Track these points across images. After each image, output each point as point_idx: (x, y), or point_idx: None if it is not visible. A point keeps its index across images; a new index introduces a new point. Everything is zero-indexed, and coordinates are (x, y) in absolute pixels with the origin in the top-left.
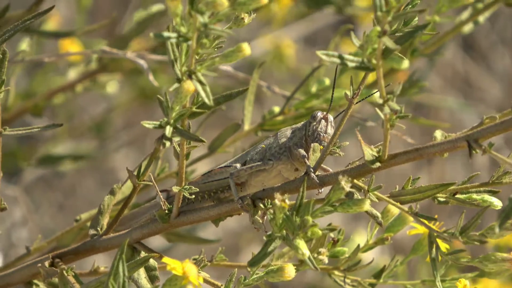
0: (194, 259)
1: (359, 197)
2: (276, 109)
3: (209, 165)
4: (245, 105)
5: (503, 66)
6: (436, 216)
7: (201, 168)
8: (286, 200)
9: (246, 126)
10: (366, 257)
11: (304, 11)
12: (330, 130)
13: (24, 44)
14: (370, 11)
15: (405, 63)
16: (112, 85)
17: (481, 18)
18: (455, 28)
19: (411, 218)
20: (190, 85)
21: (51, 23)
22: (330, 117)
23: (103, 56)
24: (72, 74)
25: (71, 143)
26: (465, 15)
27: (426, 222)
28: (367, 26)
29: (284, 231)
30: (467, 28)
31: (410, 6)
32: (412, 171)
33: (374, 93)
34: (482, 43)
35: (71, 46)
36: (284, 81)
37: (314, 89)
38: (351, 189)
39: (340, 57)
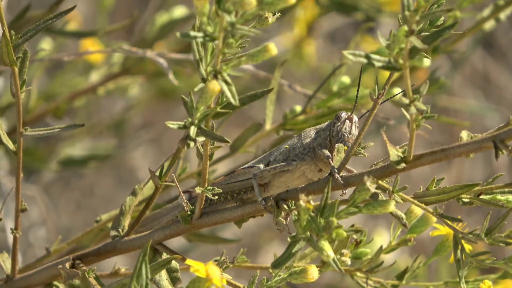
0: (215, 260)
1: (384, 198)
2: (298, 108)
3: (228, 164)
4: (267, 105)
5: None
6: (459, 217)
7: (222, 168)
8: (311, 201)
9: (268, 126)
10: (387, 257)
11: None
12: (355, 131)
13: (45, 43)
14: (396, 16)
15: (427, 61)
16: (132, 88)
17: (502, 15)
18: (476, 25)
19: (434, 219)
20: (215, 85)
21: (72, 24)
22: (355, 118)
23: (123, 54)
24: (95, 76)
25: (89, 141)
26: (486, 11)
27: (450, 223)
28: (387, 23)
29: (308, 233)
30: (488, 25)
31: (436, 5)
32: (431, 169)
33: (399, 93)
34: (502, 41)
35: (92, 46)
36: (305, 79)
37: (335, 88)
38: (376, 190)
39: (367, 56)
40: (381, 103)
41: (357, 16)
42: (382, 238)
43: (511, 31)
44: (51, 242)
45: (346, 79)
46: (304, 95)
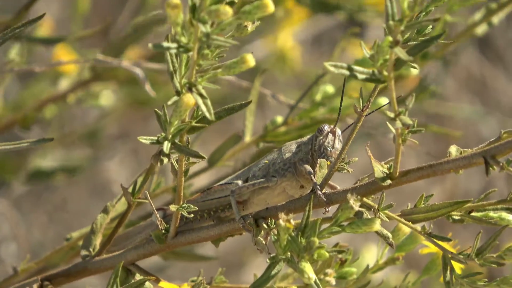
0: (192, 281)
1: (369, 217)
2: (279, 119)
3: (207, 179)
4: (246, 115)
5: None
6: (450, 235)
7: (199, 182)
8: (291, 220)
9: (247, 138)
10: (376, 276)
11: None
12: (338, 145)
13: (14, 52)
14: (381, 15)
15: (415, 71)
16: (106, 97)
17: (495, 19)
18: (467, 30)
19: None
20: (190, 99)
21: (44, 28)
22: (338, 131)
23: (97, 65)
24: (64, 83)
25: (62, 152)
26: (478, 15)
27: (440, 242)
28: (375, 26)
29: (289, 253)
30: (481, 29)
31: (424, 13)
32: (424, 184)
33: (385, 105)
34: (499, 42)
35: (65, 54)
36: (290, 85)
37: (318, 97)
38: (360, 208)
39: (349, 68)
40: (366, 115)
41: (340, 16)
42: (371, 254)
43: (509, 31)
44: (21, 259)
45: (329, 88)
46: (287, 105)
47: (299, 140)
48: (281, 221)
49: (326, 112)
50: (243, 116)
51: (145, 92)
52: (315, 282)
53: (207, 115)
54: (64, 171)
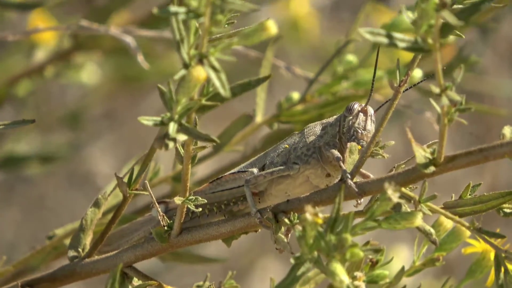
0: (198, 286)
1: (408, 210)
2: (295, 95)
3: (210, 166)
4: (257, 92)
5: None
6: (498, 230)
7: (202, 171)
8: (319, 214)
9: (259, 118)
10: (409, 280)
11: None
12: (371, 126)
13: None
14: None
15: (453, 39)
16: (89, 71)
17: None
18: None
19: (467, 233)
20: (201, 72)
21: None
22: (370, 110)
23: (81, 32)
24: (40, 54)
25: (38, 136)
26: None
27: (490, 239)
28: None
29: (316, 253)
30: None
31: None
32: (460, 171)
33: (424, 79)
34: None
35: (43, 22)
36: (306, 58)
37: (340, 69)
38: (399, 200)
39: (388, 36)
40: (404, 91)
41: None
42: (402, 255)
43: None
44: None
45: (352, 58)
46: (304, 79)
47: (324, 121)
48: (307, 215)
49: (350, 86)
50: (244, 96)
51: (134, 66)
52: (348, 286)
53: (222, 91)
54: (41, 158)
